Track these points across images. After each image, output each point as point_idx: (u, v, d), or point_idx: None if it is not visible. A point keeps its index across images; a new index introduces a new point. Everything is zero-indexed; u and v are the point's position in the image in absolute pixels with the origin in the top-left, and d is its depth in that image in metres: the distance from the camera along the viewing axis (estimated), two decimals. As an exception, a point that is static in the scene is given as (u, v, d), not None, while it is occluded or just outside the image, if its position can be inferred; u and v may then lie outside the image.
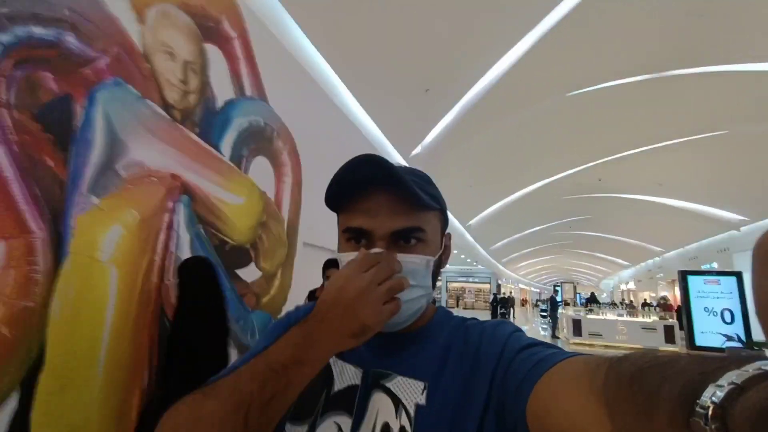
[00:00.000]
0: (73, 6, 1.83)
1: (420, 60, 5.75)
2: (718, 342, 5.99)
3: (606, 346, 10.24)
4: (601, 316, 10.90)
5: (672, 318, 9.45)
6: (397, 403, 0.49)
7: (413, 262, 0.52)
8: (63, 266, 1.76)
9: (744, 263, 13.82)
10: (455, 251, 20.96)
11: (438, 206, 0.56)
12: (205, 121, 2.65)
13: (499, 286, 30.75)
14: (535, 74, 6.60)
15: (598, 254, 30.65)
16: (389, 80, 6.07)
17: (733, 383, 0.21)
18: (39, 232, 1.67)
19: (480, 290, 31.79)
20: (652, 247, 22.39)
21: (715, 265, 16.38)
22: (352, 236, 0.54)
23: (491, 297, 18.71)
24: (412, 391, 0.50)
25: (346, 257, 0.54)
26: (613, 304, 16.19)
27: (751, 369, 0.21)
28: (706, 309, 6.74)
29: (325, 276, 2.67)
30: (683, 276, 7.10)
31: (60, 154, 1.77)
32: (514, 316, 16.80)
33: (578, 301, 17.32)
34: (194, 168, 2.53)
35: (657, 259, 24.29)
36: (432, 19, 4.82)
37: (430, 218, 0.55)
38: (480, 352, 0.50)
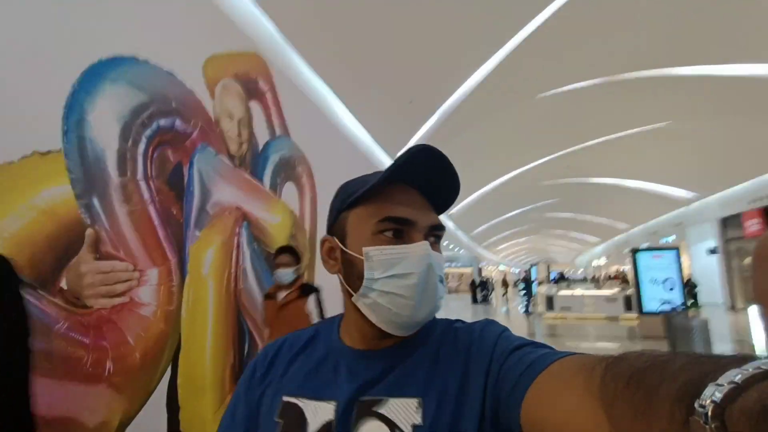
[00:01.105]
0: (178, 99, 2.60)
1: (404, 74, 6.58)
2: (657, 308, 7.30)
3: (577, 318, 11.58)
4: (570, 292, 12.22)
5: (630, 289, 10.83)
6: (393, 427, 0.46)
7: (442, 259, 0.53)
8: (186, 281, 2.58)
9: (696, 235, 15.56)
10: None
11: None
12: (253, 161, 3.45)
13: (480, 269, 32.33)
14: (508, 81, 7.55)
15: (572, 233, 32.64)
16: (378, 93, 6.87)
17: (732, 382, 0.21)
18: (173, 260, 2.49)
19: (462, 274, 33.37)
20: (619, 224, 24.26)
21: (672, 238, 18.20)
22: (390, 227, 0.51)
23: (470, 281, 20.02)
24: (406, 411, 0.47)
25: (383, 251, 0.50)
26: (583, 280, 17.77)
27: (750, 368, 0.21)
28: (652, 280, 8.03)
29: (276, 263, 2.54)
30: (633, 252, 8.37)
31: (178, 204, 2.57)
32: (492, 298, 18.13)
33: (551, 278, 18.78)
34: (249, 200, 3.34)
35: (623, 235, 26.30)
36: (414, 37, 5.61)
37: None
38: (470, 357, 0.49)
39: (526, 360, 0.42)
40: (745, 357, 0.24)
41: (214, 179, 2.91)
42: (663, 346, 6.07)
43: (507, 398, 0.41)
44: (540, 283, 15.37)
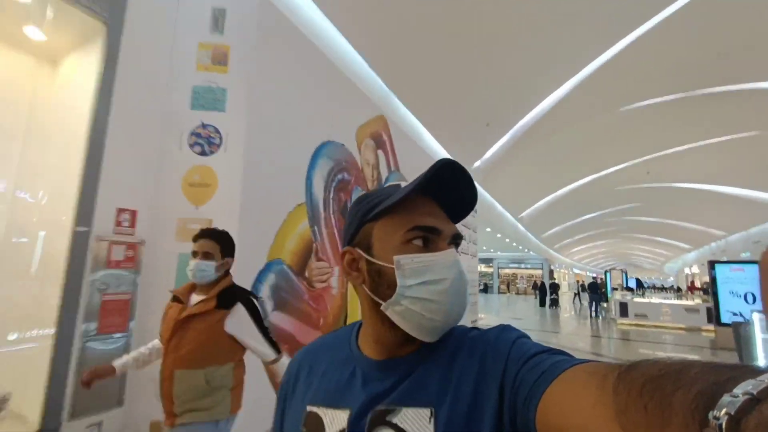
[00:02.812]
0: (346, 160, 4.14)
1: (483, 99, 7.66)
2: (730, 319, 7.47)
3: (654, 326, 11.61)
4: (646, 299, 12.21)
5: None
6: None
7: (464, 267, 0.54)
8: (349, 274, 4.14)
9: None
10: (507, 240, 22.47)
11: None
12: (379, 192, 4.96)
13: (551, 272, 31.57)
14: (591, 96, 8.13)
15: (657, 238, 30.28)
16: (457, 114, 8.02)
17: (748, 393, 0.21)
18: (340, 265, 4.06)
19: (531, 276, 32.85)
20: (714, 231, 22.27)
21: (777, 250, 16.50)
22: (420, 235, 0.53)
23: (540, 284, 20.13)
24: (419, 422, 0.47)
25: (415, 259, 0.52)
26: (661, 288, 17.06)
27: (766, 379, 0.21)
28: (731, 292, 8.12)
29: (192, 252, 1.66)
30: (712, 265, 8.48)
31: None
32: (558, 304, 18.10)
33: (624, 284, 18.18)
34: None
35: (721, 242, 23.95)
36: (493, 59, 6.58)
37: None
38: (485, 365, 0.49)
39: (542, 367, 0.42)
40: (760, 368, 0.23)
41: (361, 208, 4.45)
42: (735, 358, 6.43)
43: (523, 405, 0.41)
44: (615, 289, 15.22)
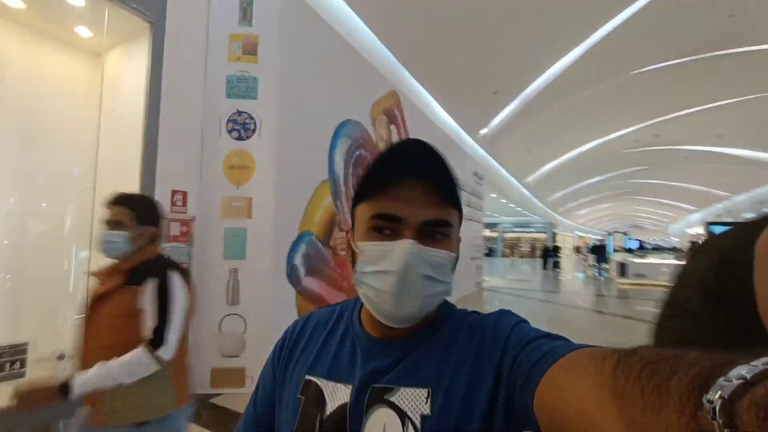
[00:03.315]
0: (363, 137, 4.42)
1: (490, 68, 7.71)
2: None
3: (652, 284, 12.15)
4: (645, 260, 12.68)
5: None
6: (403, 416, 0.48)
7: (440, 256, 0.51)
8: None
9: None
10: (511, 205, 22.75)
11: (459, 206, 0.55)
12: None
13: (554, 235, 32.06)
14: (599, 61, 8.11)
15: (662, 200, 30.39)
16: (465, 84, 8.10)
17: (741, 377, 0.21)
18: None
19: (536, 239, 33.41)
20: (718, 192, 22.36)
21: (780, 210, 16.74)
22: (380, 224, 0.51)
23: (543, 247, 20.72)
24: (416, 401, 0.48)
25: (370, 246, 0.51)
26: (660, 249, 17.54)
27: (760, 363, 0.21)
28: (726, 253, 8.53)
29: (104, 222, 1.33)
30: (707, 226, 8.82)
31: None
32: (560, 266, 18.64)
33: (627, 247, 18.65)
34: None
35: (726, 202, 24.10)
36: (501, 28, 6.62)
37: (454, 216, 0.54)
38: (483, 348, 0.49)
39: (540, 351, 0.42)
40: (755, 352, 0.23)
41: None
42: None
43: (521, 388, 0.42)
44: (615, 251, 15.70)
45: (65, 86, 2.97)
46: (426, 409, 0.48)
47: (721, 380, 0.22)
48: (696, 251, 0.53)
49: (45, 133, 2.82)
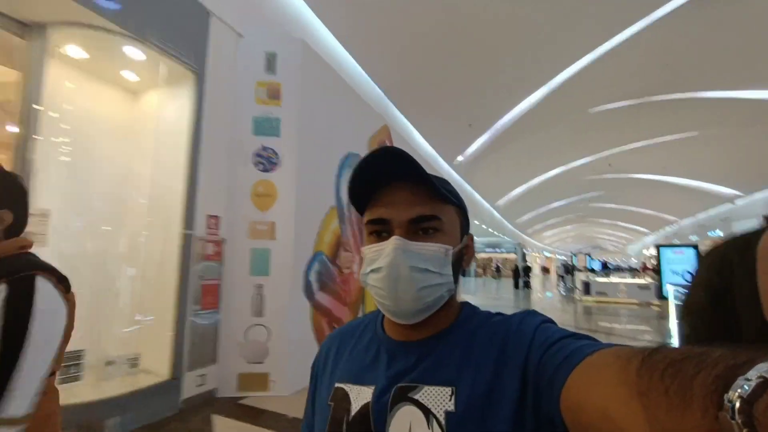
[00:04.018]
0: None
1: (466, 103, 8.60)
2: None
3: (612, 302, 13.19)
4: (606, 279, 13.79)
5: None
6: (428, 413, 0.49)
7: (430, 248, 0.52)
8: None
9: (742, 229, 16.17)
10: (483, 226, 23.91)
11: (456, 201, 0.57)
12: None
13: (524, 255, 33.56)
14: (564, 100, 9.16)
15: (619, 223, 32.77)
16: (443, 117, 8.94)
17: (761, 377, 0.21)
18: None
19: (506, 260, 34.83)
20: (667, 216, 24.58)
21: (718, 231, 18.73)
22: (374, 229, 0.55)
23: (514, 267, 21.87)
24: (440, 399, 0.49)
25: (368, 250, 0.55)
26: (620, 269, 18.99)
27: None
28: (673, 271, 9.61)
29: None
30: (657, 248, 9.95)
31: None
32: (530, 286, 19.64)
33: (588, 266, 20.05)
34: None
35: (675, 226, 26.43)
36: (476, 69, 7.51)
37: (449, 211, 0.56)
38: (507, 348, 0.50)
39: (566, 350, 0.42)
40: None
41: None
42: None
43: (547, 387, 0.42)
44: (578, 270, 16.87)
45: (114, 122, 3.37)
46: (450, 406, 0.48)
47: (741, 379, 0.22)
48: (702, 258, 0.58)
49: (101, 162, 3.19)
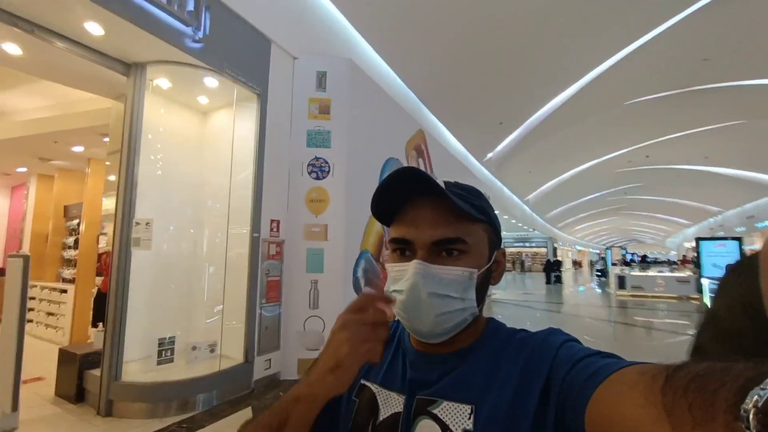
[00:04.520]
0: (400, 171, 5.35)
1: (497, 102, 8.70)
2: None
3: (650, 296, 12.92)
4: (642, 273, 13.50)
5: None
6: (445, 429, 0.49)
7: (452, 273, 0.51)
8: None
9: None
10: (513, 221, 23.69)
11: (484, 218, 0.55)
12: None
13: (555, 249, 32.87)
14: (598, 93, 9.08)
15: (658, 215, 31.42)
16: (474, 117, 9.09)
17: None
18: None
19: (536, 254, 34.27)
20: (710, 207, 23.40)
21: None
22: (397, 247, 0.55)
23: (545, 261, 21.56)
24: (459, 416, 0.49)
25: (390, 268, 0.55)
26: (656, 262, 18.40)
27: None
28: (714, 265, 9.37)
29: None
30: (697, 241, 9.70)
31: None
32: (561, 281, 19.35)
33: (624, 260, 19.49)
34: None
35: (719, 217, 25.11)
36: (506, 68, 7.62)
37: (476, 230, 0.54)
38: (529, 367, 0.49)
39: (591, 368, 0.42)
40: None
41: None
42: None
43: (572, 406, 0.41)
44: (614, 264, 16.52)
45: (188, 139, 3.88)
46: (469, 425, 0.48)
47: (756, 389, 0.22)
48: (736, 268, 0.54)
49: (182, 174, 3.72)
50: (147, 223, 3.00)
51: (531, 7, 5.73)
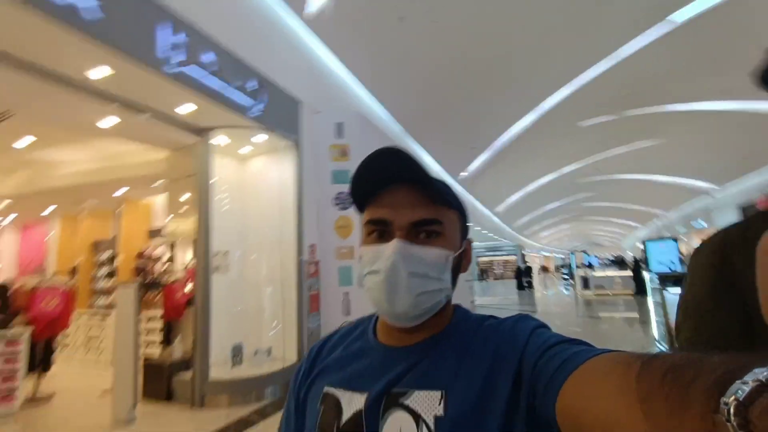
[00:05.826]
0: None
1: (468, 130, 10.02)
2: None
3: (610, 294, 14.53)
4: (602, 273, 15.19)
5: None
6: (417, 418, 0.48)
7: (431, 253, 0.52)
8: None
9: (721, 219, 17.77)
10: (484, 231, 25.34)
11: (457, 206, 0.57)
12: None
13: (523, 256, 34.88)
14: (556, 117, 10.58)
15: (612, 219, 34.44)
16: (450, 141, 10.36)
17: (758, 380, 0.21)
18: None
19: (507, 262, 36.20)
20: (654, 210, 26.23)
21: (701, 222, 20.35)
22: (373, 229, 0.54)
23: (516, 268, 23.18)
24: (430, 403, 0.49)
25: (366, 249, 0.54)
26: (610, 263, 20.48)
27: None
28: (659, 262, 11.02)
29: None
30: (643, 242, 11.36)
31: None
32: (532, 286, 20.90)
33: (585, 262, 21.46)
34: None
35: (663, 219, 28.10)
36: (475, 105, 8.96)
37: (450, 215, 0.55)
38: (499, 352, 0.49)
39: (563, 355, 0.42)
40: None
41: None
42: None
43: (543, 392, 0.41)
44: (578, 267, 18.26)
45: (229, 181, 4.74)
46: (439, 411, 0.48)
47: (737, 383, 0.22)
48: (693, 257, 0.58)
49: (240, 210, 4.58)
50: (225, 253, 3.81)
51: (496, 52, 7.05)
